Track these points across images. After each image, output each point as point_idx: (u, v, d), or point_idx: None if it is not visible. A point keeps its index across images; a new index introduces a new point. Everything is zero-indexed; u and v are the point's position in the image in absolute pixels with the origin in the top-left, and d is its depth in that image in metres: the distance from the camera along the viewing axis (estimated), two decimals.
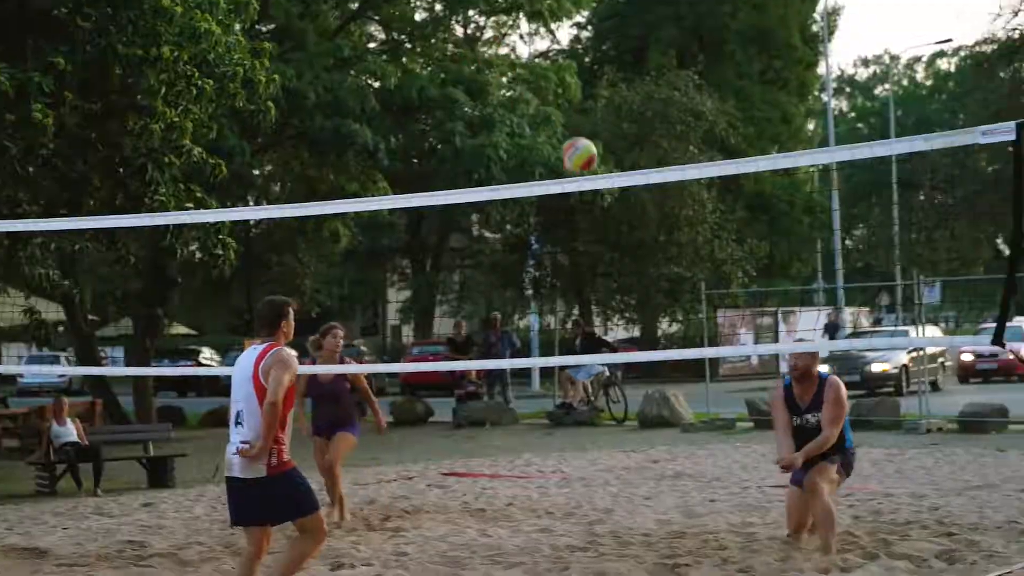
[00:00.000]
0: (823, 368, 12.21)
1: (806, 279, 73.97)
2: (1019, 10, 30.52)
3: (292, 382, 8.72)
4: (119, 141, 21.92)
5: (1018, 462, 18.75)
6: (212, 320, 62.72)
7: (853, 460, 11.65)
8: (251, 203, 33.38)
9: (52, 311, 31.36)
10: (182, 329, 64.65)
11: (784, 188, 65.03)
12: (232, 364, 9.24)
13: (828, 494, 11.08)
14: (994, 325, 10.03)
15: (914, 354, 34.92)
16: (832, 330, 48.21)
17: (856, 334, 45.43)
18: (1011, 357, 39.82)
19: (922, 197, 43.52)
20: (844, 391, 11.26)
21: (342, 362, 14.54)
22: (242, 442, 8.56)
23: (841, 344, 30.84)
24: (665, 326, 58.53)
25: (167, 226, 21.33)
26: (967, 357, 42.12)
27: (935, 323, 38.60)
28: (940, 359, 34.62)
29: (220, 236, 22.40)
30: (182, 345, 60.64)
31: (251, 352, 8.81)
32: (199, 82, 21.15)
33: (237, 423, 8.69)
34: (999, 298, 9.53)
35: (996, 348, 37.38)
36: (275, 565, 8.84)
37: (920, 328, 28.50)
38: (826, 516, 11.00)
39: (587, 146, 11.97)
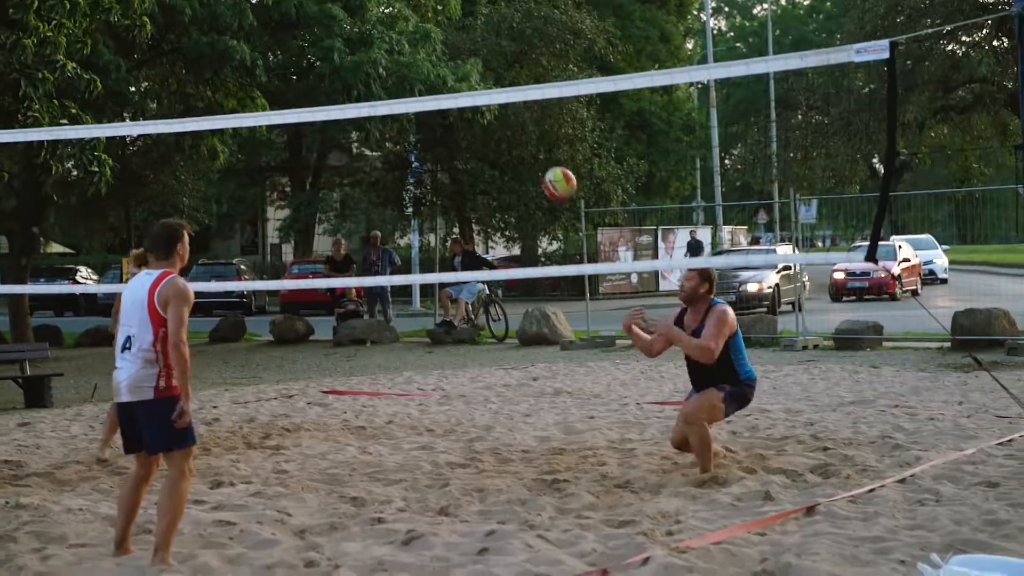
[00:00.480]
0: None
1: (685, 197, 74.64)
2: None
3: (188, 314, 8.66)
4: None
5: (891, 378, 19.06)
6: (89, 239, 62.03)
7: (750, 393, 11.40)
8: (127, 120, 32.92)
9: None
10: (58, 248, 63.92)
11: (663, 107, 65.43)
12: (111, 282, 9.15)
13: (707, 422, 11.03)
14: (867, 244, 10.17)
15: (784, 273, 35.33)
16: (694, 249, 48.77)
17: (729, 252, 45.91)
18: (883, 275, 40.54)
19: (799, 116, 43.81)
20: (731, 314, 11.12)
21: None
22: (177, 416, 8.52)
23: (716, 262, 31.11)
24: (545, 244, 58.85)
25: (41, 142, 21.03)
26: (839, 275, 42.73)
27: (789, 242, 39.05)
28: (804, 279, 35.04)
29: (96, 153, 22.11)
30: (59, 264, 60.03)
31: (144, 278, 8.68)
32: None
33: (125, 347, 8.56)
34: (873, 216, 9.66)
35: (868, 266, 38.03)
36: (160, 517, 8.69)
37: (794, 246, 28.87)
38: (701, 443, 10.99)
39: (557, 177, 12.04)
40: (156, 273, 8.60)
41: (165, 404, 8.43)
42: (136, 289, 8.63)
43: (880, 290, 41.86)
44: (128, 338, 8.54)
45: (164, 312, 8.43)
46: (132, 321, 8.57)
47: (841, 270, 42.48)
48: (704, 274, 11.28)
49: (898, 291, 41.81)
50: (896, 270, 42.32)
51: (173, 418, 8.32)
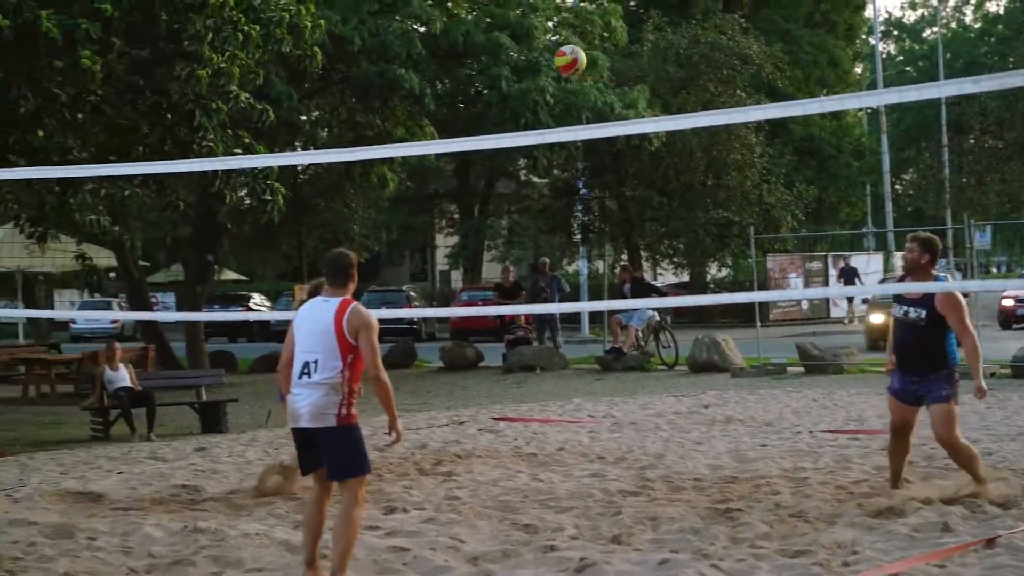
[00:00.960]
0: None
1: (855, 223, 73.70)
2: None
3: None
4: (167, 87, 21.92)
5: None
6: (262, 266, 62.96)
7: (956, 374, 11.27)
8: (299, 149, 33.37)
9: (103, 257, 31.59)
10: (232, 275, 64.92)
11: (832, 132, 64.73)
12: (284, 309, 9.24)
13: (961, 439, 11.13)
14: None
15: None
16: (848, 276, 47.96)
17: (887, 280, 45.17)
18: None
19: (972, 140, 43.10)
20: (960, 296, 11.02)
21: None
22: (384, 433, 8.72)
23: (876, 290, 30.56)
24: (714, 271, 58.47)
25: (216, 172, 21.35)
26: (1008, 302, 41.72)
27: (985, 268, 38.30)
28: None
29: (268, 182, 22.41)
30: (233, 291, 60.94)
31: (325, 305, 8.74)
32: (245, 28, 21.14)
33: (304, 374, 8.63)
34: None
35: None
36: (335, 542, 8.75)
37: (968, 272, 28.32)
38: (967, 457, 11.13)
39: (573, 51, 11.71)
40: (336, 301, 8.65)
41: (346, 432, 8.50)
42: (318, 317, 8.68)
43: None
44: (307, 364, 8.59)
45: (354, 340, 8.51)
46: (314, 348, 8.62)
47: (1011, 297, 41.49)
48: (925, 244, 11.09)
49: None
50: None
51: (390, 443, 8.44)
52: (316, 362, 8.55)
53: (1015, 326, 40.63)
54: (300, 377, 8.60)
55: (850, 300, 47.98)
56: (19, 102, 20.10)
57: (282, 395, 9.13)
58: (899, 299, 11.31)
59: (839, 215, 68.57)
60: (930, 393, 11.04)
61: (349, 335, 8.48)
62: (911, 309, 11.10)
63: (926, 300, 10.96)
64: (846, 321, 47.59)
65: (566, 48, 12.10)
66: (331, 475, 8.65)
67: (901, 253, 48.72)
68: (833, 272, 51.36)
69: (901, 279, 11.38)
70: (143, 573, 9.15)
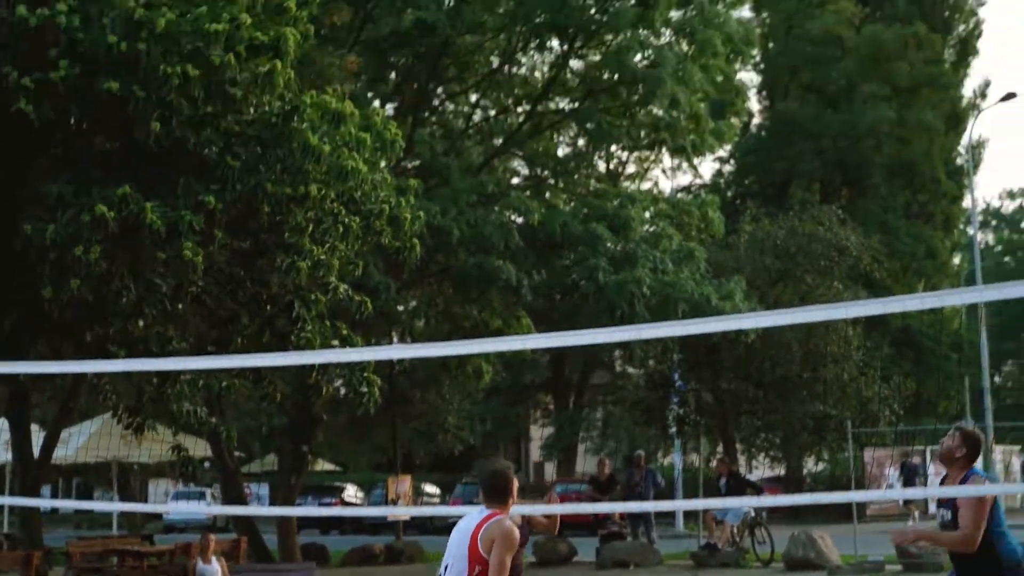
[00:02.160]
0: None
1: (953, 417, 72.75)
2: None
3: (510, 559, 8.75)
4: (267, 278, 22.02)
5: None
6: (355, 456, 62.96)
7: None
8: (395, 339, 33.48)
9: (198, 447, 31.68)
10: (326, 465, 64.94)
11: (930, 324, 64.28)
12: (377, 503, 9.30)
13: None
14: None
15: None
16: (909, 474, 46.90)
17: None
18: None
19: None
20: (987, 490, 10.15)
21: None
22: None
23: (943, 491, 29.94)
24: (811, 464, 57.75)
25: (313, 364, 21.35)
26: None
27: None
28: None
29: (365, 374, 22.40)
30: (326, 482, 60.89)
31: (476, 514, 8.82)
32: (346, 220, 21.27)
33: None
34: None
35: None
36: None
37: None
38: None
39: None
40: (485, 512, 8.71)
41: None
42: (463, 525, 8.87)
43: None
44: (446, 567, 8.78)
45: (486, 553, 8.57)
46: (452, 552, 8.78)
47: None
48: (968, 436, 10.36)
49: None
50: None
51: None
52: (450, 566, 8.70)
53: None
54: None
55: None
56: (121, 293, 20.26)
57: None
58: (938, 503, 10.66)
59: (937, 408, 67.76)
60: None
61: (482, 546, 8.53)
62: (942, 511, 10.41)
63: (951, 500, 10.21)
64: (909, 522, 46.65)
65: None
66: None
67: (1000, 448, 47.81)
68: (932, 467, 50.47)
69: (942, 481, 10.59)
70: None
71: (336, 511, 39.70)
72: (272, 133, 20.64)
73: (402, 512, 34.00)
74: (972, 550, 9.94)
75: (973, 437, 10.41)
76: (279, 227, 21.53)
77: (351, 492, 56.54)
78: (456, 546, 8.74)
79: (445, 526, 49.63)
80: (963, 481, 10.17)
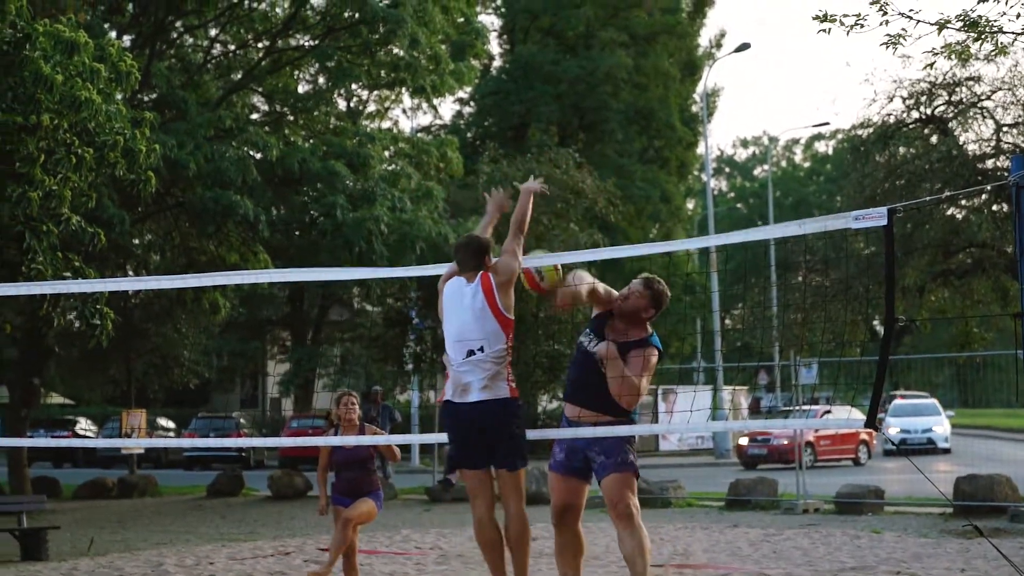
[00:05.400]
0: None
1: (685, 358, 74.62)
2: (893, 96, 30.95)
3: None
4: None
5: (893, 544, 18.90)
6: (89, 390, 61.96)
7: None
8: (130, 272, 33.07)
9: None
10: (58, 398, 63.81)
11: (663, 267, 65.60)
12: (110, 435, 9.20)
13: (639, 516, 9.52)
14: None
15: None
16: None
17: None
18: (786, 442, 39.23)
19: (800, 279, 43.79)
20: (655, 360, 9.77)
21: (362, 428, 14.38)
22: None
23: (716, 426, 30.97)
24: (545, 402, 58.65)
25: (44, 295, 21.04)
26: (743, 441, 42.54)
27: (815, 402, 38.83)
28: None
29: (98, 306, 22.12)
30: (59, 415, 59.90)
31: (467, 288, 9.28)
32: (79, 150, 20.93)
33: (470, 354, 9.16)
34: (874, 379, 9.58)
35: (772, 432, 37.14)
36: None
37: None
38: (642, 547, 9.41)
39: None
40: (475, 279, 9.35)
41: (515, 405, 9.50)
42: (467, 303, 9.38)
43: (781, 457, 40.24)
44: (474, 350, 9.24)
45: (506, 311, 9.29)
46: (476, 335, 9.26)
47: (747, 435, 42.25)
48: (656, 298, 9.87)
49: (807, 460, 39.63)
50: (809, 436, 41.18)
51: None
52: (482, 347, 9.18)
53: (760, 466, 40.34)
54: (464, 358, 9.20)
55: None
56: None
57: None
58: (597, 332, 9.82)
59: (669, 349, 69.36)
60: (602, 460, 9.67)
61: (502, 306, 9.25)
62: (591, 337, 9.79)
63: (623, 348, 9.64)
64: None
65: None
66: (502, 458, 9.31)
67: (729, 388, 49.01)
68: (662, 405, 51.75)
69: (601, 318, 9.83)
70: None
71: (68, 443, 39.08)
72: (3, 62, 20.21)
73: (135, 444, 33.68)
74: (628, 396, 9.61)
75: (660, 300, 9.93)
76: (9, 157, 21.13)
77: (84, 425, 55.71)
78: (480, 326, 9.11)
79: (179, 460, 49.44)
80: (643, 343, 9.74)
